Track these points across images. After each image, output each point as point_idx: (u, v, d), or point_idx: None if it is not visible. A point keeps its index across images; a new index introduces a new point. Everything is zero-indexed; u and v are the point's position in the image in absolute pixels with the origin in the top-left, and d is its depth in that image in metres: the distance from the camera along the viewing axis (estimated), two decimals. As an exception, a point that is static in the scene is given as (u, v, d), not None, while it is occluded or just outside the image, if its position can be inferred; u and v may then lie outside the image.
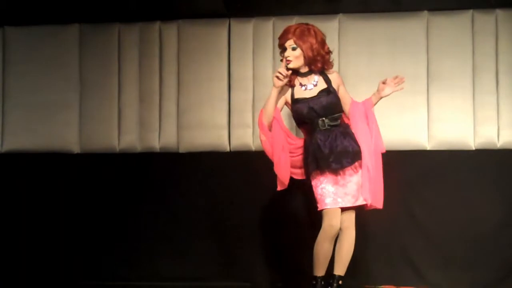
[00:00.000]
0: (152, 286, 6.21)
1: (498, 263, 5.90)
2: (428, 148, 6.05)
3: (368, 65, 6.03)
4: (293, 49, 4.91)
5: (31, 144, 6.40)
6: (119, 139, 6.37)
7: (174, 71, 6.35)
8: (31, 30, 6.47)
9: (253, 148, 6.23)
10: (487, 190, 5.95)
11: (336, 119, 4.93)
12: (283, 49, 4.95)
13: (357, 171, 4.91)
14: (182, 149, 6.31)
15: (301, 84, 4.97)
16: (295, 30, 4.93)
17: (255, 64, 6.26)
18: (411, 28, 6.10)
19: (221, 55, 6.30)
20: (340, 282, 4.96)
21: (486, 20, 6.03)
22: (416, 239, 6.02)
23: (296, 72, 4.96)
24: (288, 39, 4.92)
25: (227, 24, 6.31)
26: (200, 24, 6.33)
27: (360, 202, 4.92)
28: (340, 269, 4.95)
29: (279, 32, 6.12)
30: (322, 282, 4.95)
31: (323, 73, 4.99)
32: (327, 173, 4.87)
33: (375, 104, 4.98)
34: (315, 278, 4.96)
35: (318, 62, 4.92)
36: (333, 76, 4.99)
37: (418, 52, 6.08)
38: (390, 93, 4.96)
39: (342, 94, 4.99)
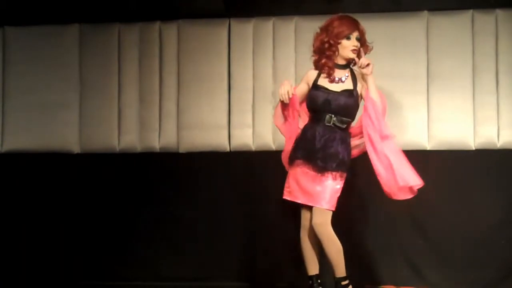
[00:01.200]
0: (152, 286, 6.21)
1: (498, 263, 5.90)
2: (428, 148, 6.05)
3: (368, 65, 6.02)
4: (357, 39, 4.95)
5: (31, 144, 6.40)
6: (119, 139, 6.38)
7: (174, 71, 6.35)
8: (31, 30, 6.47)
9: (253, 148, 6.23)
10: (487, 190, 5.95)
11: (344, 122, 4.93)
12: (345, 35, 4.93)
13: (334, 179, 4.87)
14: (182, 149, 6.31)
15: (330, 75, 4.96)
16: (360, 24, 4.99)
17: (255, 64, 6.26)
18: (411, 28, 6.09)
19: (221, 55, 6.30)
20: (343, 283, 4.95)
21: (486, 20, 6.02)
22: (416, 239, 6.02)
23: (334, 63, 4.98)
24: (356, 30, 4.95)
25: (227, 24, 6.31)
26: (200, 24, 6.33)
27: (325, 206, 4.87)
28: (335, 271, 4.93)
29: (279, 32, 6.20)
30: (319, 281, 4.96)
31: (353, 72, 5.00)
32: (310, 167, 4.87)
33: (369, 87, 4.91)
34: (310, 277, 4.99)
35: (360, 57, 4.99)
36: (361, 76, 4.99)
37: (418, 52, 6.07)
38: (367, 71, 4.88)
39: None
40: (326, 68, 4.95)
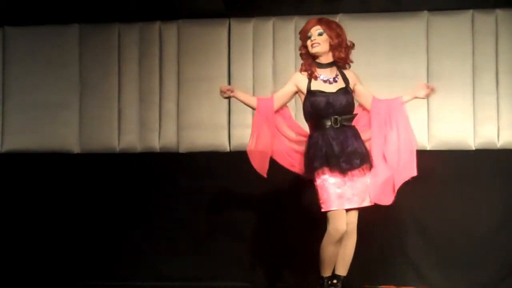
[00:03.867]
0: (152, 286, 6.21)
1: (498, 263, 5.91)
2: (428, 148, 6.05)
3: (368, 65, 6.02)
4: (320, 34, 4.93)
5: (31, 144, 6.40)
6: (119, 139, 6.38)
7: (174, 71, 6.35)
8: (31, 30, 6.47)
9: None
10: (487, 190, 5.95)
11: (349, 120, 4.93)
12: (306, 37, 4.96)
13: (365, 174, 4.89)
14: (182, 149, 6.31)
15: (320, 77, 4.95)
16: (321, 19, 4.98)
17: (255, 64, 6.26)
18: (411, 28, 6.10)
19: (221, 55, 6.30)
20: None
21: (486, 20, 6.03)
22: (416, 239, 6.02)
23: (315, 62, 4.97)
24: (315, 25, 4.94)
25: (227, 24, 6.31)
26: (200, 24, 6.33)
27: (367, 203, 4.92)
28: (344, 270, 4.98)
29: (279, 32, 6.21)
30: (329, 282, 4.96)
31: (341, 71, 5.00)
32: (336, 172, 4.85)
33: (406, 102, 4.97)
34: (322, 278, 4.96)
35: (342, 52, 4.93)
36: (350, 74, 5.01)
37: (418, 52, 6.08)
38: (424, 97, 5.00)
39: (362, 91, 5.02)
40: (309, 70, 4.97)
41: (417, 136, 5.98)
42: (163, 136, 6.34)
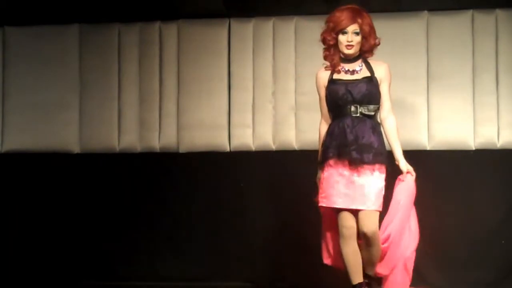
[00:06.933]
0: (152, 286, 6.21)
1: (498, 263, 5.90)
2: (428, 148, 6.05)
3: (368, 65, 6.03)
4: (356, 34, 4.67)
5: (31, 144, 6.40)
6: (119, 139, 6.38)
7: (174, 71, 6.35)
8: (31, 30, 6.47)
9: (253, 148, 6.23)
10: (487, 190, 5.95)
11: (371, 109, 4.68)
12: (340, 30, 4.67)
13: (374, 173, 4.63)
14: (182, 149, 6.31)
15: (343, 68, 4.73)
16: (360, 14, 4.71)
17: (255, 64, 6.25)
18: (411, 28, 6.09)
19: (221, 55, 6.30)
20: None
21: (486, 20, 6.03)
22: (416, 239, 6.02)
23: (340, 55, 4.74)
24: (354, 23, 4.67)
25: (227, 24, 6.31)
26: (200, 24, 6.33)
27: (371, 207, 4.63)
28: (371, 269, 4.80)
29: (279, 32, 6.20)
30: None
31: (366, 61, 4.76)
32: (345, 162, 4.60)
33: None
34: (354, 286, 4.72)
35: (372, 51, 4.75)
36: (380, 68, 4.75)
37: (418, 52, 6.07)
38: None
39: (383, 91, 4.75)
40: (331, 60, 4.73)
41: (417, 136, 6.04)
42: (163, 136, 6.34)
